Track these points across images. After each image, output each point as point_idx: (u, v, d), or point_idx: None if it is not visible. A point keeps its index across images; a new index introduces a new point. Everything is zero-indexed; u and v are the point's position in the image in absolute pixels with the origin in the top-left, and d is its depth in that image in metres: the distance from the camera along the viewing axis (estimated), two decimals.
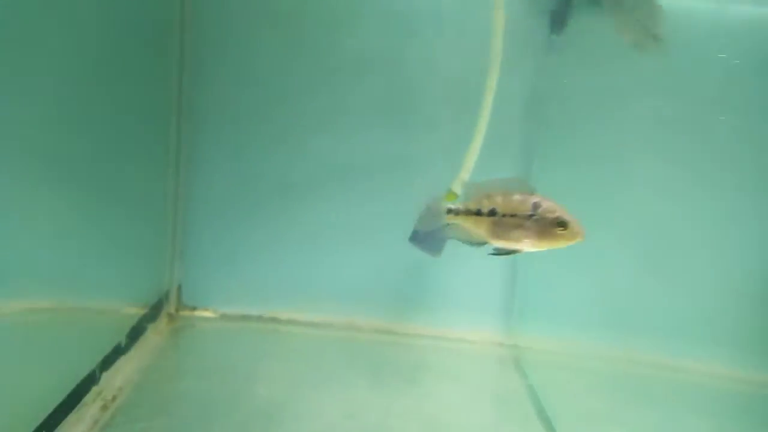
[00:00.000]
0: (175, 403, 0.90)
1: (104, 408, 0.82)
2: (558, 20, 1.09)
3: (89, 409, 0.80)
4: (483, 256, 1.16)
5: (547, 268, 1.19)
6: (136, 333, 1.00)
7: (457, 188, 1.07)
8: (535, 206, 0.71)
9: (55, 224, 0.80)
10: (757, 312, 1.15)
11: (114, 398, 0.85)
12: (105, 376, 0.87)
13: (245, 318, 1.20)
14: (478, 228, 0.75)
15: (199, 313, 1.20)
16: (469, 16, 1.08)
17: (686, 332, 1.17)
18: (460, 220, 0.77)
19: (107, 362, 0.88)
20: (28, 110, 0.70)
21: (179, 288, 1.19)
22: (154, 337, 1.06)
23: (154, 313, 1.09)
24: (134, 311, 1.04)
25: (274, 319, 1.21)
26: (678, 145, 1.14)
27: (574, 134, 1.16)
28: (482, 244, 0.78)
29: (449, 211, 0.78)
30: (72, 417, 0.77)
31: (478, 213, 0.74)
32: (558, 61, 1.11)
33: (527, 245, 0.74)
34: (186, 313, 1.19)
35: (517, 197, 0.73)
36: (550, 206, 0.71)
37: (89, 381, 0.82)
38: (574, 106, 1.13)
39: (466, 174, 1.07)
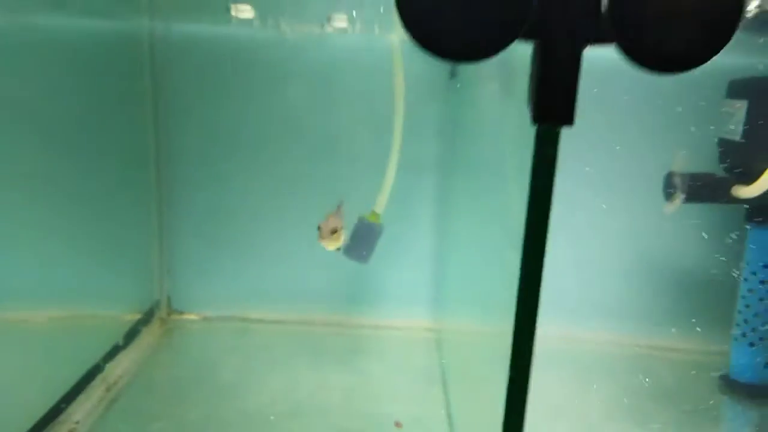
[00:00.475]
0: (163, 384, 1.20)
1: (108, 390, 1.13)
2: (453, 68, 1.35)
3: (96, 390, 1.11)
4: (414, 256, 1.46)
5: (464, 262, 1.45)
6: (132, 334, 1.30)
7: (379, 209, 1.34)
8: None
9: (67, 251, 1.11)
10: (639, 286, 1.41)
11: (115, 382, 1.16)
12: (108, 366, 1.18)
13: (222, 319, 1.49)
14: None
15: (185, 316, 1.50)
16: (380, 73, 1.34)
17: (581, 307, 1.43)
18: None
19: (108, 357, 1.18)
20: (29, 147, 0.99)
21: (168, 297, 1.50)
22: (147, 337, 1.36)
23: (147, 318, 1.39)
24: (130, 317, 1.34)
25: (245, 319, 1.49)
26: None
27: (473, 153, 1.42)
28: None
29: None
30: (83, 395, 1.07)
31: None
32: (455, 98, 1.37)
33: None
34: (175, 317, 1.49)
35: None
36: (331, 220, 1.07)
37: (95, 370, 1.13)
38: (470, 131, 1.39)
39: (384, 198, 1.34)
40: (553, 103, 0.48)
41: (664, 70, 0.47)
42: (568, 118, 0.49)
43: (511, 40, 0.45)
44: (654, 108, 1.32)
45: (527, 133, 0.52)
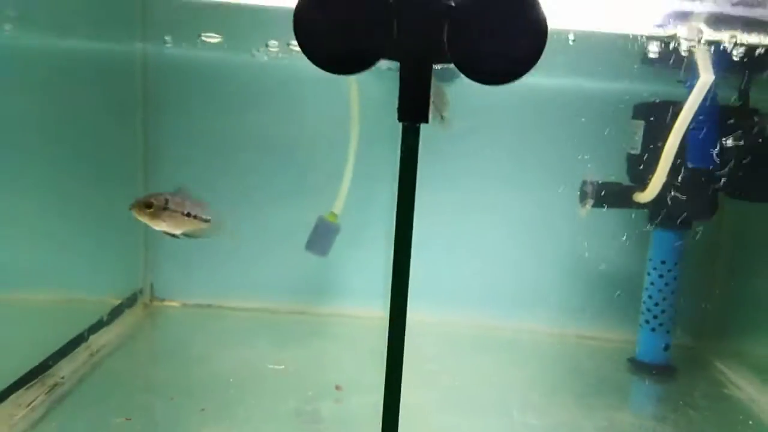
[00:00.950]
0: (141, 354, 1.39)
1: (91, 355, 1.30)
2: None
3: (81, 355, 1.28)
4: (373, 248, 1.64)
5: (425, 261, 1.63)
6: (116, 313, 1.48)
7: (336, 210, 1.53)
8: (166, 201, 1.00)
9: (60, 243, 1.30)
10: (562, 280, 1.60)
11: (98, 350, 1.33)
12: (92, 337, 1.35)
13: (200, 306, 1.67)
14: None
15: (167, 303, 1.67)
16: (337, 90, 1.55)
17: (514, 300, 1.61)
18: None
19: (93, 329, 1.36)
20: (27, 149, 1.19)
21: (152, 285, 1.68)
22: (130, 317, 1.53)
23: (131, 302, 1.57)
24: (115, 301, 1.52)
25: (220, 307, 1.67)
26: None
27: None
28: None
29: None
30: (69, 357, 1.25)
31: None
32: None
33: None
34: (157, 303, 1.67)
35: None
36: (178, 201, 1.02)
37: (80, 339, 1.30)
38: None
39: (341, 201, 1.54)
40: (411, 106, 0.68)
41: (490, 83, 0.66)
42: (424, 117, 0.68)
43: (377, 59, 0.65)
44: (582, 128, 1.52)
45: None
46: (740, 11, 0.88)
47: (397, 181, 0.73)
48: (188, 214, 1.04)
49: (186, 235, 1.07)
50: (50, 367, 1.19)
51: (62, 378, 1.19)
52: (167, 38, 1.47)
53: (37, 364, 1.16)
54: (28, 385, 1.12)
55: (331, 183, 1.53)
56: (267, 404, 1.17)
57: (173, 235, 1.06)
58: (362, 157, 1.51)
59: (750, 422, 1.22)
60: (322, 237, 1.54)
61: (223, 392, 1.20)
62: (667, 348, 1.41)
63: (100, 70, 1.43)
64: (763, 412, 1.27)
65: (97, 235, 1.48)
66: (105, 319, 1.43)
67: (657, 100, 1.32)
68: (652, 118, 1.32)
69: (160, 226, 1.02)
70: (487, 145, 1.59)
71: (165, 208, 1.00)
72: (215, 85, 1.60)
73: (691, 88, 1.22)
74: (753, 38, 1.02)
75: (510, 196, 1.61)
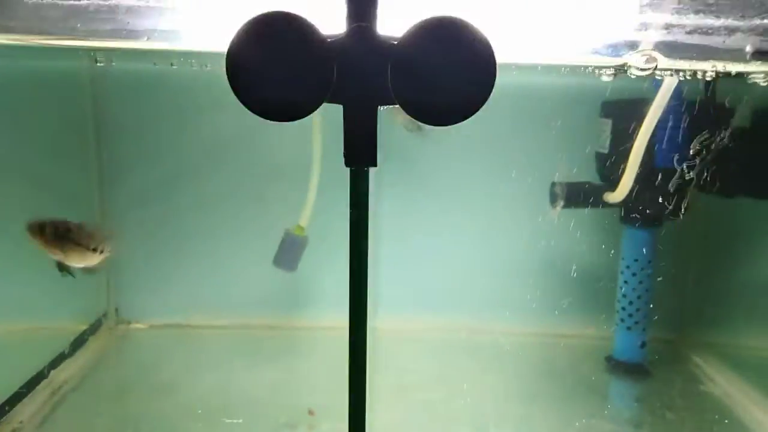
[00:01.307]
0: (106, 385, 1.33)
1: (53, 394, 1.25)
2: None
3: (41, 395, 1.22)
4: (344, 258, 1.60)
5: (396, 269, 1.60)
6: (79, 343, 1.43)
7: (304, 223, 1.48)
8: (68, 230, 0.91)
9: (13, 268, 1.23)
10: (539, 282, 1.55)
11: (60, 387, 1.28)
12: (53, 372, 1.29)
13: (168, 326, 1.62)
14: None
15: (132, 326, 1.62)
16: None
17: (488, 303, 1.58)
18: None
19: (53, 364, 1.30)
20: None
21: (116, 308, 1.62)
22: (94, 344, 1.48)
23: (94, 328, 1.51)
24: (78, 327, 1.46)
25: (189, 326, 1.62)
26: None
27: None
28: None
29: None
30: (27, 399, 1.19)
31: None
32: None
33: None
34: (123, 326, 1.61)
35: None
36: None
37: (39, 377, 1.25)
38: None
39: (307, 212, 1.49)
40: (358, 150, 0.63)
41: (436, 124, 0.62)
42: (372, 161, 0.64)
43: (319, 104, 0.60)
44: (553, 129, 1.49)
45: None
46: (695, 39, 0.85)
47: (348, 225, 0.69)
48: (94, 249, 0.93)
49: (86, 269, 0.95)
50: (7, 411, 1.15)
51: (20, 423, 1.13)
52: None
53: None
54: None
55: (295, 193, 1.49)
56: None
57: (66, 270, 0.92)
58: (327, 166, 1.46)
59: (726, 421, 1.22)
60: (289, 251, 1.50)
61: (192, 426, 1.16)
62: (643, 345, 1.40)
63: (47, 87, 1.35)
64: (738, 407, 1.27)
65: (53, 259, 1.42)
66: (67, 351, 1.37)
67: (624, 98, 1.30)
68: (619, 116, 1.29)
69: (56, 255, 0.90)
70: (457, 147, 1.55)
71: (66, 237, 0.88)
72: (170, 98, 1.52)
73: (657, 85, 1.19)
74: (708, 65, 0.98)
75: (480, 197, 1.57)
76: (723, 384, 1.37)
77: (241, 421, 1.15)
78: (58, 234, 0.88)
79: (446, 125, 0.62)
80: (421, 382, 1.36)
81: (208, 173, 1.56)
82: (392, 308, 1.56)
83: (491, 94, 0.62)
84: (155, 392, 1.28)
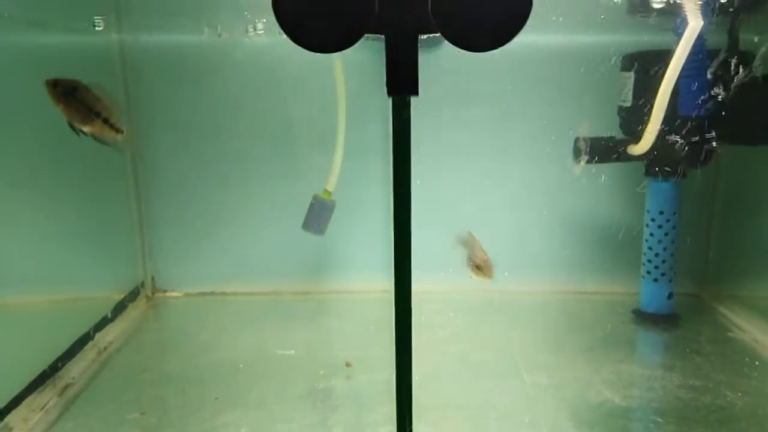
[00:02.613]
0: (148, 346, 1.38)
1: (99, 353, 1.30)
2: None
3: (89, 354, 1.28)
4: (371, 222, 1.63)
5: (423, 231, 1.63)
6: (119, 309, 1.48)
7: (330, 187, 1.52)
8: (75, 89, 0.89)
9: (58, 244, 1.28)
10: (562, 237, 1.60)
11: (106, 347, 1.33)
12: (98, 335, 1.35)
13: (202, 294, 1.67)
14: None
15: (168, 294, 1.67)
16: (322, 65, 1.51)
17: (517, 263, 1.60)
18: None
19: (98, 327, 1.36)
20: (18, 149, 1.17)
21: (153, 278, 1.67)
22: (134, 311, 1.54)
23: (133, 296, 1.57)
24: (117, 297, 1.52)
25: (222, 293, 1.67)
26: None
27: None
28: None
29: None
30: (77, 357, 1.25)
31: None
32: None
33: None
34: (159, 295, 1.67)
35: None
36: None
37: (86, 338, 1.31)
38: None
39: (334, 177, 1.52)
40: (400, 79, 0.66)
41: (477, 50, 0.65)
42: (414, 90, 0.67)
43: (361, 35, 0.63)
44: (573, 84, 1.50)
45: None
46: None
47: (392, 154, 0.72)
48: (97, 114, 0.92)
49: (93, 137, 0.94)
50: (60, 368, 1.20)
51: (73, 378, 1.19)
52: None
53: (47, 366, 1.17)
54: (40, 388, 1.13)
55: (323, 160, 1.52)
56: (279, 387, 1.17)
57: (74, 129, 0.92)
58: (352, 131, 1.49)
59: (756, 363, 1.24)
60: (318, 216, 1.53)
61: (235, 379, 1.20)
62: (670, 297, 1.42)
63: (78, 65, 1.40)
64: (767, 351, 1.30)
65: (94, 232, 1.46)
66: (109, 315, 1.43)
67: (646, 50, 1.31)
68: (641, 69, 1.30)
69: (63, 111, 0.91)
70: (479, 108, 1.57)
71: (72, 96, 0.89)
72: (197, 71, 1.56)
73: (680, 35, 1.20)
74: None
75: (504, 157, 1.60)
76: (751, 330, 1.38)
77: (292, 351, 1.19)
78: (66, 92, 0.90)
79: (485, 50, 0.65)
80: (453, 337, 1.40)
81: (239, 144, 1.60)
82: (419, 269, 1.59)
83: (526, 24, 0.64)
84: (196, 351, 1.33)
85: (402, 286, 0.78)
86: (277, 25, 0.64)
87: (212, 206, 1.64)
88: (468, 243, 1.17)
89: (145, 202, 1.63)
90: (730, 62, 1.24)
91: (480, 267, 1.09)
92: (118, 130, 0.93)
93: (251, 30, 1.44)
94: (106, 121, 0.91)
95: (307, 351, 1.34)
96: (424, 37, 0.67)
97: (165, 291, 1.68)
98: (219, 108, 1.58)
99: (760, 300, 1.48)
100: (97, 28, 1.31)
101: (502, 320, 1.50)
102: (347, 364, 1.25)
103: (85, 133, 0.90)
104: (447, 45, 0.66)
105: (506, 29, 0.64)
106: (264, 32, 1.46)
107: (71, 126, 0.89)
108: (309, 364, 1.27)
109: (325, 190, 1.52)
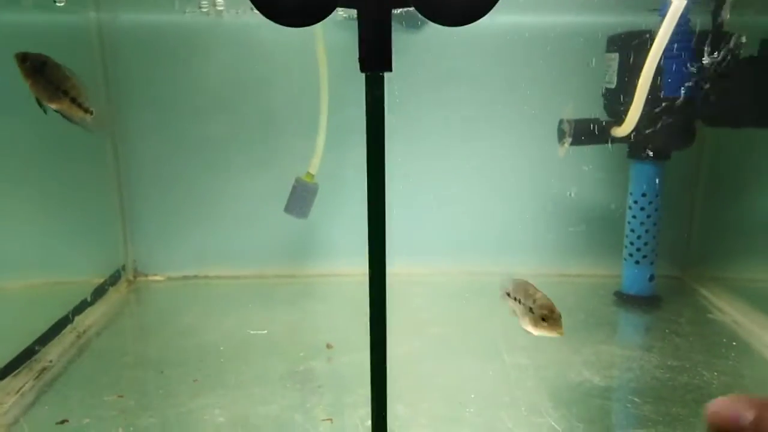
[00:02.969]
0: (129, 330, 1.38)
1: (78, 336, 1.29)
2: None
3: (68, 337, 1.27)
4: (354, 205, 1.62)
5: (406, 215, 1.62)
6: (100, 292, 1.47)
7: (313, 170, 1.50)
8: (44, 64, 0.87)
9: (40, 229, 1.27)
10: (545, 220, 1.60)
11: (85, 331, 1.32)
12: (78, 318, 1.34)
13: (185, 278, 1.66)
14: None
15: (151, 278, 1.66)
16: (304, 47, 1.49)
17: (497, 244, 1.62)
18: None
19: (77, 311, 1.34)
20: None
21: (134, 261, 1.65)
22: (115, 295, 1.52)
23: (113, 280, 1.55)
24: (97, 280, 1.50)
25: (205, 277, 1.66)
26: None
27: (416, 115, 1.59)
28: None
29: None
30: (56, 341, 1.24)
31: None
32: None
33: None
34: (141, 278, 1.65)
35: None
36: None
37: (65, 321, 1.29)
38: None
39: (317, 160, 1.51)
40: (373, 54, 0.65)
41: (451, 24, 0.63)
42: (388, 66, 0.65)
43: (333, 7, 0.62)
44: (556, 65, 1.49)
45: None
46: None
47: (365, 132, 0.71)
48: (65, 92, 0.90)
49: (62, 114, 0.92)
50: (37, 351, 1.18)
51: (50, 362, 1.17)
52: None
53: (23, 349, 1.15)
54: (16, 371, 1.12)
55: (306, 143, 1.51)
56: (259, 369, 1.17)
57: (41, 106, 0.90)
58: (335, 114, 1.47)
59: (734, 343, 1.25)
60: (300, 198, 1.52)
61: (214, 361, 1.19)
62: (651, 279, 1.42)
63: (55, 45, 1.37)
64: (746, 332, 1.30)
65: (74, 217, 1.44)
66: (89, 299, 1.41)
67: (630, 31, 1.30)
68: (625, 50, 1.29)
69: (33, 89, 0.89)
70: (462, 90, 1.56)
71: (41, 72, 0.87)
72: (176, 51, 1.54)
73: (663, 15, 1.19)
74: None
75: (486, 140, 1.59)
76: (731, 312, 1.39)
77: (265, 331, 1.18)
78: (35, 68, 0.88)
79: (458, 25, 0.64)
80: (435, 320, 1.39)
81: (220, 127, 1.58)
82: (403, 253, 1.59)
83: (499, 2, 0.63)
84: (177, 335, 1.32)
85: (376, 268, 0.78)
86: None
87: (195, 189, 1.62)
88: (520, 290, 0.96)
89: (126, 185, 1.61)
90: (714, 44, 1.24)
91: (546, 319, 0.87)
92: (86, 110, 0.91)
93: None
94: (74, 100, 0.89)
95: (288, 333, 1.33)
96: (397, 11, 0.66)
97: (147, 275, 1.66)
98: (200, 90, 1.55)
99: (741, 282, 1.49)
100: (58, 4, 1.26)
101: (484, 302, 1.49)
102: (328, 346, 1.24)
103: (54, 111, 0.89)
104: (430, 26, 0.65)
105: (480, 4, 0.63)
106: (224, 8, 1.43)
107: (38, 102, 0.87)
108: (290, 346, 1.26)
109: (308, 173, 1.51)
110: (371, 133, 0.68)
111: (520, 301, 0.94)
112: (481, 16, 0.64)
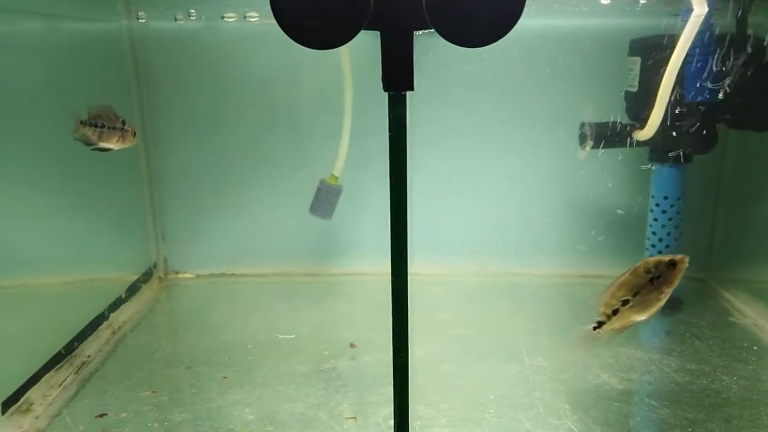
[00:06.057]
0: (161, 326, 1.43)
1: (114, 333, 1.35)
2: None
3: (104, 333, 1.33)
4: (378, 206, 1.65)
5: (429, 214, 1.65)
6: (133, 290, 1.53)
7: (337, 172, 1.54)
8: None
9: (73, 228, 1.32)
10: (566, 221, 1.62)
11: (120, 327, 1.38)
12: (112, 315, 1.40)
13: (213, 276, 1.72)
14: None
15: (181, 275, 1.72)
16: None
17: (517, 245, 1.64)
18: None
19: (112, 308, 1.41)
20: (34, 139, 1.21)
21: (165, 259, 1.72)
22: (147, 292, 1.58)
23: (146, 278, 1.62)
24: (131, 278, 1.56)
25: (233, 275, 1.72)
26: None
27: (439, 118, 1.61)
28: None
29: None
30: (92, 337, 1.30)
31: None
32: None
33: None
34: (172, 276, 1.71)
35: None
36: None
37: (101, 318, 1.36)
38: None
39: (341, 162, 1.54)
40: (395, 74, 0.67)
41: (471, 46, 0.66)
42: (409, 85, 0.68)
43: (357, 32, 0.64)
44: (579, 68, 1.50)
45: None
46: None
47: (388, 149, 0.74)
48: (113, 128, 1.02)
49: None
50: (76, 347, 1.25)
51: (88, 357, 1.24)
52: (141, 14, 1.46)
53: (64, 345, 1.22)
54: (58, 366, 1.18)
55: (331, 144, 1.54)
56: (286, 366, 1.21)
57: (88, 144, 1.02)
58: (359, 116, 1.51)
59: (755, 347, 1.25)
60: (325, 200, 1.56)
61: (243, 359, 1.25)
62: None
63: (88, 52, 1.42)
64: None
65: (108, 215, 1.51)
66: (123, 296, 1.48)
67: (653, 35, 1.30)
68: (648, 54, 1.29)
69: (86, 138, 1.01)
70: (485, 91, 1.58)
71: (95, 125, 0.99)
72: (205, 57, 1.58)
73: (687, 19, 1.19)
74: None
75: (508, 141, 1.60)
76: (753, 315, 1.40)
77: (293, 336, 1.23)
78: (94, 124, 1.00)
79: (478, 47, 0.66)
80: (456, 320, 1.42)
81: (248, 130, 1.63)
82: (425, 253, 1.62)
83: (521, 15, 0.65)
84: (207, 331, 1.38)
85: (399, 270, 0.81)
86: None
87: (223, 190, 1.68)
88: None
89: (157, 185, 1.67)
90: (738, 47, 1.23)
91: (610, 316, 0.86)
92: (134, 134, 0.99)
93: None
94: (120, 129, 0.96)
95: (313, 332, 1.38)
96: (419, 33, 0.68)
97: (177, 272, 1.73)
98: (228, 93, 1.60)
99: (763, 285, 1.48)
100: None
101: (505, 303, 1.52)
102: (352, 346, 1.28)
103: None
104: None
105: (500, 25, 0.65)
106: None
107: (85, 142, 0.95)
108: (315, 345, 1.31)
109: (332, 175, 1.55)
110: (394, 149, 0.71)
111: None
112: (500, 38, 0.66)
